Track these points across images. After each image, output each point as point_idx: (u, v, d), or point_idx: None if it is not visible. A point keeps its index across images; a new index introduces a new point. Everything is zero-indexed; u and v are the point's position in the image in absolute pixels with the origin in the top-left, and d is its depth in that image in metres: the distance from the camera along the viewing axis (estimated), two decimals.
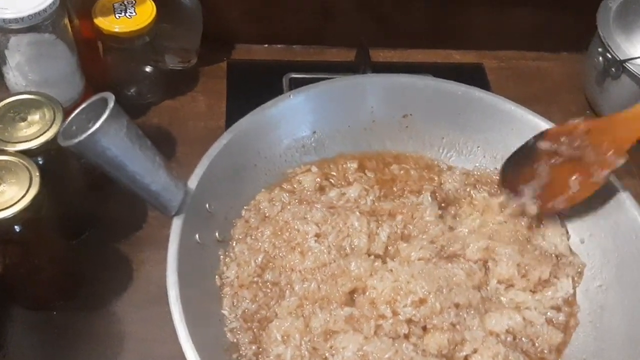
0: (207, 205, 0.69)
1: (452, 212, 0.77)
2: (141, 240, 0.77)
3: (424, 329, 0.67)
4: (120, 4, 0.82)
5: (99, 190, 0.75)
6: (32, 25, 0.69)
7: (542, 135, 0.74)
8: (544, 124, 0.77)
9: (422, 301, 0.67)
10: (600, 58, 0.91)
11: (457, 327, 0.67)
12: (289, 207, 0.74)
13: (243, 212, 0.74)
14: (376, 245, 0.72)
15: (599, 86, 0.93)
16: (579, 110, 0.97)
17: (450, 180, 0.79)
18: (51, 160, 0.65)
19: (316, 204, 0.75)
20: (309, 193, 0.77)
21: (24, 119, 0.65)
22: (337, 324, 0.65)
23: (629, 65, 0.87)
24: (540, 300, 0.71)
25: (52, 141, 0.63)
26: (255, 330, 0.67)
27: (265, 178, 0.77)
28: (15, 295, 0.71)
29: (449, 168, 0.81)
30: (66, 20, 0.73)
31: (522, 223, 0.76)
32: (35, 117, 0.65)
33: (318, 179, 0.78)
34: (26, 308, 0.71)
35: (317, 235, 0.71)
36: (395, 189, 0.79)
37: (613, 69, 0.89)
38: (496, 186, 0.79)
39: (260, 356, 0.65)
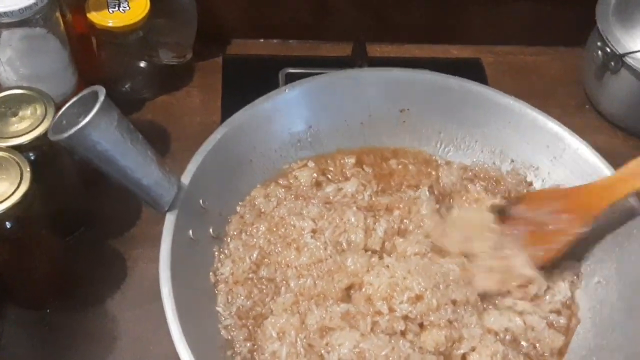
0: (201, 201, 0.69)
1: (446, 206, 0.77)
2: (135, 238, 0.77)
3: (421, 326, 0.66)
4: None
5: (93, 187, 0.75)
6: (24, 19, 0.68)
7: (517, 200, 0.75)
8: (542, 118, 0.77)
9: (419, 297, 0.66)
10: (599, 52, 0.90)
11: (455, 324, 0.66)
12: (285, 202, 0.73)
13: (238, 208, 0.73)
14: (373, 241, 0.71)
15: (598, 80, 0.93)
16: (577, 105, 0.97)
17: (447, 174, 0.79)
18: (43, 156, 0.65)
19: (312, 199, 0.74)
20: (305, 188, 0.76)
21: (15, 114, 0.64)
22: (333, 321, 0.65)
23: (628, 59, 0.86)
24: (539, 305, 0.71)
25: (44, 137, 0.62)
26: (250, 327, 0.66)
27: (261, 173, 0.76)
28: (7, 294, 0.70)
29: (447, 163, 0.81)
30: (58, 14, 0.73)
31: None
32: (26, 112, 0.65)
33: (315, 174, 0.77)
34: (19, 307, 0.70)
35: (314, 231, 0.71)
36: (393, 183, 0.79)
37: (612, 63, 0.88)
38: (494, 182, 0.79)
39: (255, 353, 0.64)
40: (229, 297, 0.67)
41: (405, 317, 0.65)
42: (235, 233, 0.71)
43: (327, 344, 0.64)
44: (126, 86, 0.89)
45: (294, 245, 0.70)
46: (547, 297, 0.71)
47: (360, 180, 0.77)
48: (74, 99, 0.58)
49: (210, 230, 0.70)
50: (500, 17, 0.99)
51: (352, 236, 0.71)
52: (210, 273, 0.68)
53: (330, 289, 0.67)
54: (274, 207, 0.73)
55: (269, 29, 0.99)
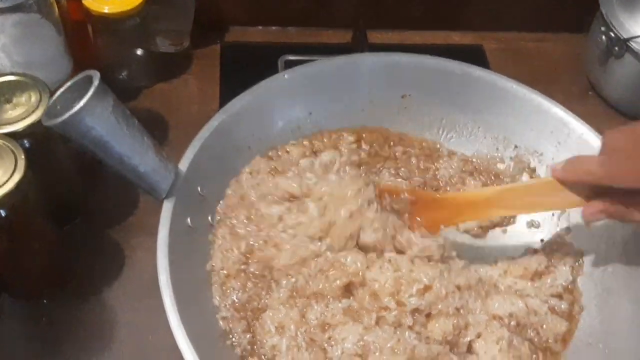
0: (199, 188, 0.68)
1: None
2: (133, 226, 0.76)
3: (428, 316, 0.65)
4: None
5: (89, 176, 0.74)
6: (17, 5, 0.67)
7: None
8: (546, 103, 0.76)
9: (427, 288, 0.65)
10: (603, 37, 0.89)
11: (461, 311, 0.65)
12: (261, 183, 0.71)
13: (229, 191, 0.71)
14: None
15: (602, 66, 0.92)
16: (581, 91, 0.97)
17: (446, 166, 0.78)
18: (37, 144, 0.64)
19: (288, 172, 0.72)
20: (292, 160, 0.74)
21: (9, 101, 0.64)
22: (335, 318, 0.63)
23: (632, 43, 0.86)
24: (539, 288, 0.70)
25: (38, 124, 0.61)
26: (249, 319, 0.65)
27: None
28: (3, 284, 0.69)
29: (449, 154, 0.80)
30: (52, 0, 0.72)
31: None
32: (21, 99, 0.64)
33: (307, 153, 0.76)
34: (15, 297, 0.70)
35: (280, 219, 0.68)
36: (379, 166, 0.78)
37: (616, 48, 0.88)
38: (492, 176, 0.79)
39: (255, 346, 0.63)
40: (224, 288, 0.66)
41: (414, 310, 0.64)
42: (220, 218, 0.69)
43: (329, 338, 0.62)
44: (123, 74, 0.88)
45: (271, 242, 0.67)
46: (549, 280, 0.70)
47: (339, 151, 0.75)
48: (68, 83, 0.57)
49: (209, 218, 0.69)
50: (502, 3, 0.98)
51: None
52: (208, 262, 0.67)
53: (327, 288, 0.65)
54: (252, 186, 0.71)
55: (267, 15, 0.98)
